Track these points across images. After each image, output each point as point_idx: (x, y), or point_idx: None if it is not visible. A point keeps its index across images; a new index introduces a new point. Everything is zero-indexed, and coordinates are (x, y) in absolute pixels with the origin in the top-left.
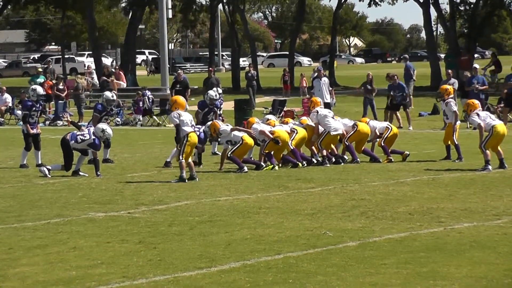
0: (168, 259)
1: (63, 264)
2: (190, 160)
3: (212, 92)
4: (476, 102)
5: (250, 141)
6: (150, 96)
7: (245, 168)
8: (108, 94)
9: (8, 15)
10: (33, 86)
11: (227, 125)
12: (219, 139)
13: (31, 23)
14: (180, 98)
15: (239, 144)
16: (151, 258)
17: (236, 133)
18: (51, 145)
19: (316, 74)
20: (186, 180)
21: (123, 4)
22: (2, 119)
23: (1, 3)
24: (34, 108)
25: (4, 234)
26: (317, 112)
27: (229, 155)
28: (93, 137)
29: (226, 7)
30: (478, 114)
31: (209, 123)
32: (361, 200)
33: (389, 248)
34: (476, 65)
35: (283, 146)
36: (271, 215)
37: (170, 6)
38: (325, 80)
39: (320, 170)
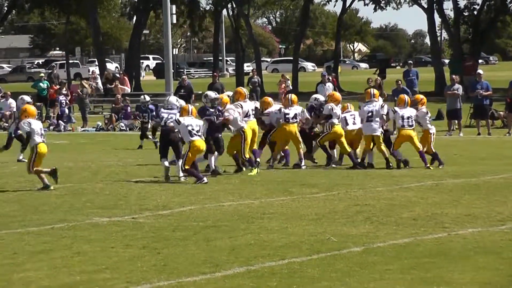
0: (172, 264)
1: (67, 269)
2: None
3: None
4: (338, 95)
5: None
6: (63, 100)
7: (205, 179)
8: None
9: (13, 20)
10: (207, 92)
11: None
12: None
13: (35, 28)
14: (31, 107)
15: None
16: (155, 263)
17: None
18: (54, 150)
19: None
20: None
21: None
22: (7, 124)
23: (6, 8)
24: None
25: (8, 239)
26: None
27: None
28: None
29: (230, 12)
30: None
31: None
32: (365, 206)
33: (393, 254)
34: (480, 71)
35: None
36: (275, 220)
37: (174, 12)
38: (329, 85)
39: (324, 175)
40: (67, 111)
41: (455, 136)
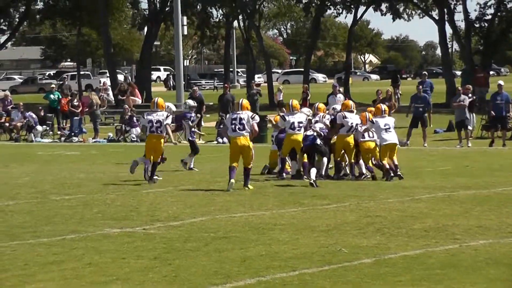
0: (183, 275)
1: (79, 280)
2: None
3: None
4: (351, 103)
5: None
6: (31, 114)
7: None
8: (189, 101)
9: (24, 32)
10: (186, 100)
11: None
12: None
13: (46, 40)
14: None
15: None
16: (166, 274)
17: None
18: (66, 161)
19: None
20: None
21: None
22: (18, 135)
23: (17, 20)
24: None
25: (20, 250)
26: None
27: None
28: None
29: (242, 23)
30: (345, 116)
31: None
32: (376, 217)
33: (405, 265)
34: (500, 82)
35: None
36: (286, 231)
37: (185, 23)
38: (340, 96)
39: (335, 187)
40: (40, 127)
41: (467, 148)
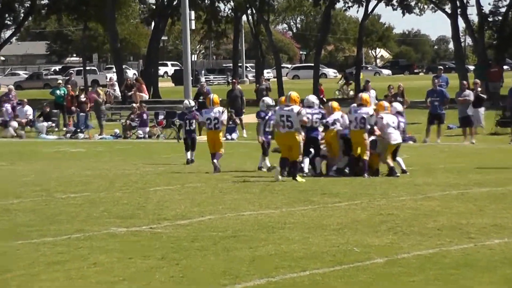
0: (191, 275)
1: (84, 280)
2: None
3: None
4: (386, 104)
5: None
6: (7, 107)
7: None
8: (267, 99)
9: (29, 27)
10: (264, 98)
11: None
12: None
13: (52, 35)
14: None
15: None
16: (174, 274)
17: None
18: (72, 159)
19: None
20: None
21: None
22: (23, 132)
23: (22, 15)
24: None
25: (24, 249)
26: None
27: None
28: None
29: (250, 18)
30: (382, 117)
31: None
32: (388, 215)
33: (418, 265)
34: None
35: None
36: (296, 230)
37: (193, 17)
38: (373, 92)
39: (346, 184)
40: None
41: (480, 144)
